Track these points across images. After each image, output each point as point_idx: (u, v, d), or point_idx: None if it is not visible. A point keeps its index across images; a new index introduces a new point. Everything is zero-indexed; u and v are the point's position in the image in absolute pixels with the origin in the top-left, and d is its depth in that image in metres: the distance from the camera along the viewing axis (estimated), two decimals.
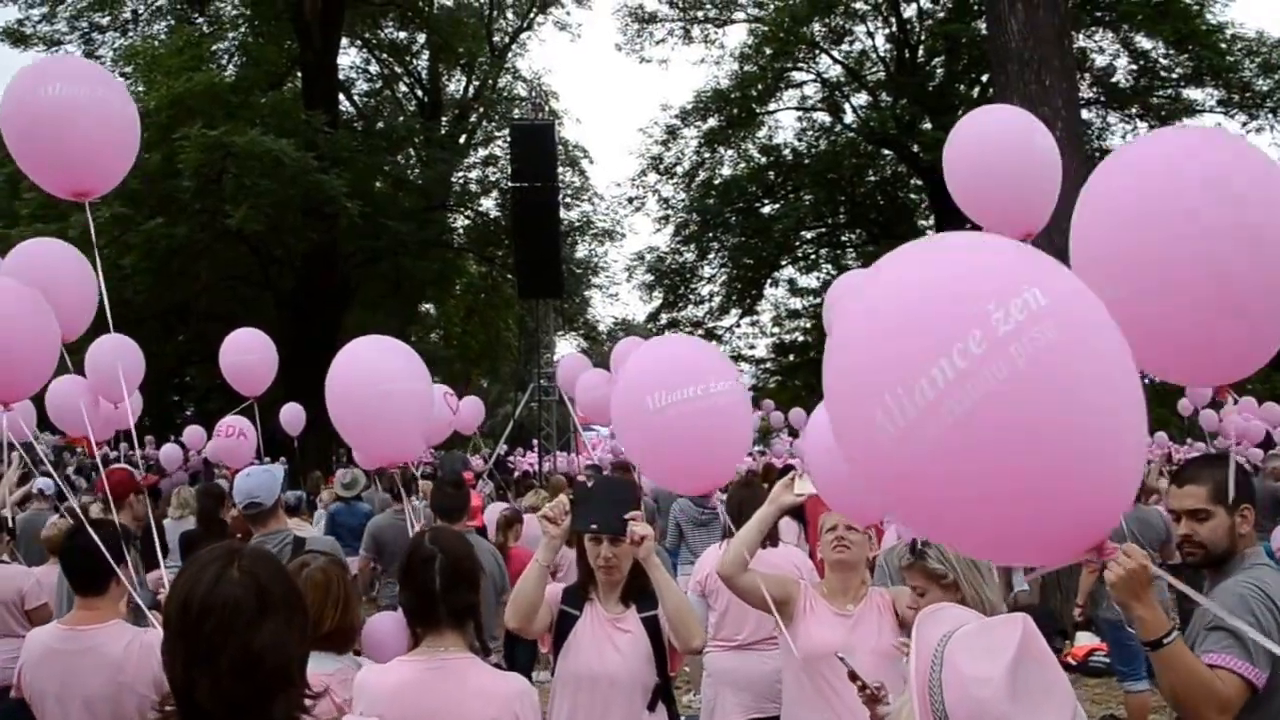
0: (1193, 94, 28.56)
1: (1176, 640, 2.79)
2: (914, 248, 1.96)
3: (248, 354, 8.40)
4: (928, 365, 1.67)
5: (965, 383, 1.66)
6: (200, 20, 28.77)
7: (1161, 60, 28.24)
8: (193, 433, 15.78)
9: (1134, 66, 28.50)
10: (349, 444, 5.36)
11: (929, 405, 1.68)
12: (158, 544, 4.72)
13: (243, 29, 29.00)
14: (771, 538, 5.25)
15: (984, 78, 27.98)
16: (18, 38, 27.63)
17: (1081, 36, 26.28)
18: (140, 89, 23.90)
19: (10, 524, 7.23)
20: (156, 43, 26.76)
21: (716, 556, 5.35)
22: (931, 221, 30.62)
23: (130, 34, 28.63)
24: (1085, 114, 25.17)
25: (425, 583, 3.07)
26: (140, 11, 28.76)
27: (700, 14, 31.90)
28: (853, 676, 3.23)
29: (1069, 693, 1.87)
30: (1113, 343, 1.78)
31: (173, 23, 28.47)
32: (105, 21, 28.49)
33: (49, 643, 3.80)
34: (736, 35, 50.25)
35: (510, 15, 33.23)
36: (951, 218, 28.52)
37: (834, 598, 4.11)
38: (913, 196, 31.73)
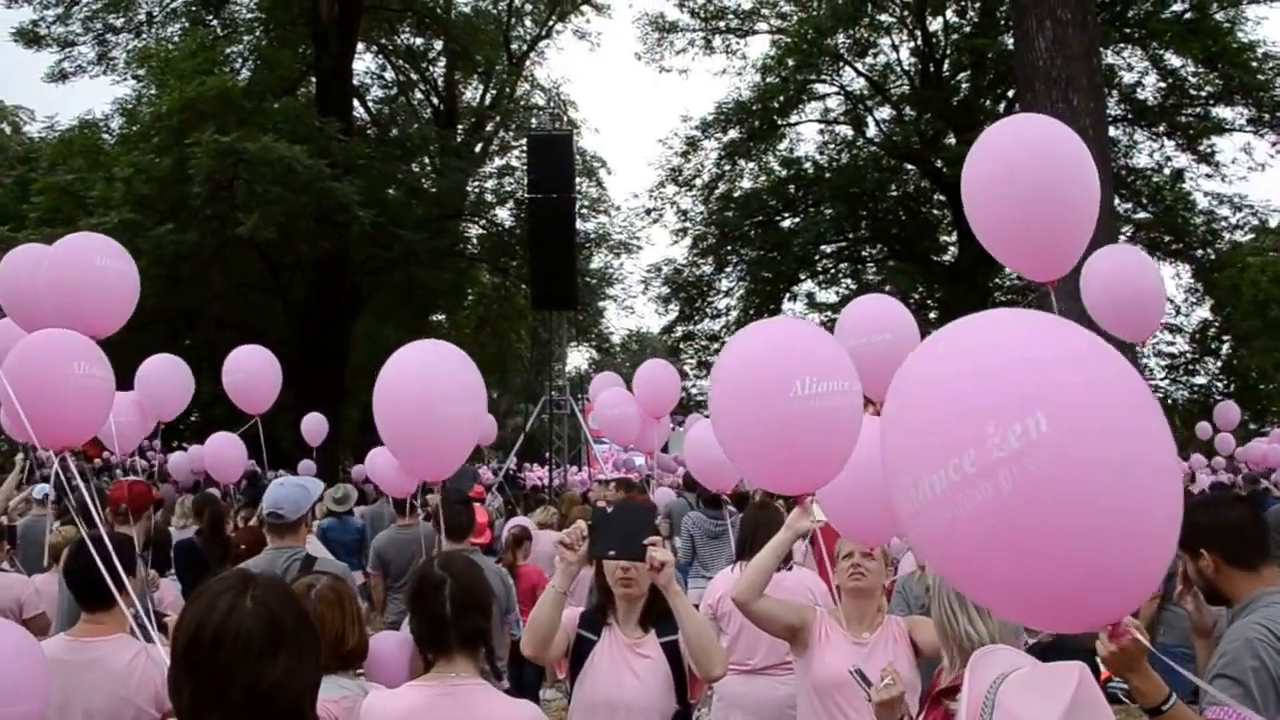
0: (1222, 112, 28.16)
1: (1175, 706, 2.76)
2: (957, 331, 2.06)
3: (249, 374, 8.28)
4: (937, 465, 1.85)
5: (960, 493, 1.82)
6: (214, 23, 28.62)
7: (1190, 78, 27.86)
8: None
9: (1162, 84, 28.13)
10: (396, 456, 5.22)
11: (936, 499, 1.86)
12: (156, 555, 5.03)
13: (257, 33, 28.80)
14: (786, 563, 5.13)
15: (1010, 93, 27.68)
16: (31, 38, 27.55)
17: (1109, 54, 25.90)
18: (153, 92, 23.75)
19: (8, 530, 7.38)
20: (170, 45, 26.61)
21: (729, 579, 5.36)
22: (954, 238, 30.31)
23: (144, 36, 28.50)
24: (1112, 131, 24.75)
25: (435, 608, 3.05)
26: (154, 13, 28.60)
27: (722, 24, 31.65)
28: (864, 680, 3.26)
29: None
30: (1127, 442, 1.82)
31: (187, 25, 28.35)
32: (119, 23, 28.32)
33: (55, 654, 3.69)
34: (759, 46, 50.26)
35: (529, 23, 33.10)
36: (973, 236, 28.15)
37: (850, 625, 4.07)
38: (935, 212, 31.36)
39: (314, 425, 13.91)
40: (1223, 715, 2.85)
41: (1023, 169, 4.49)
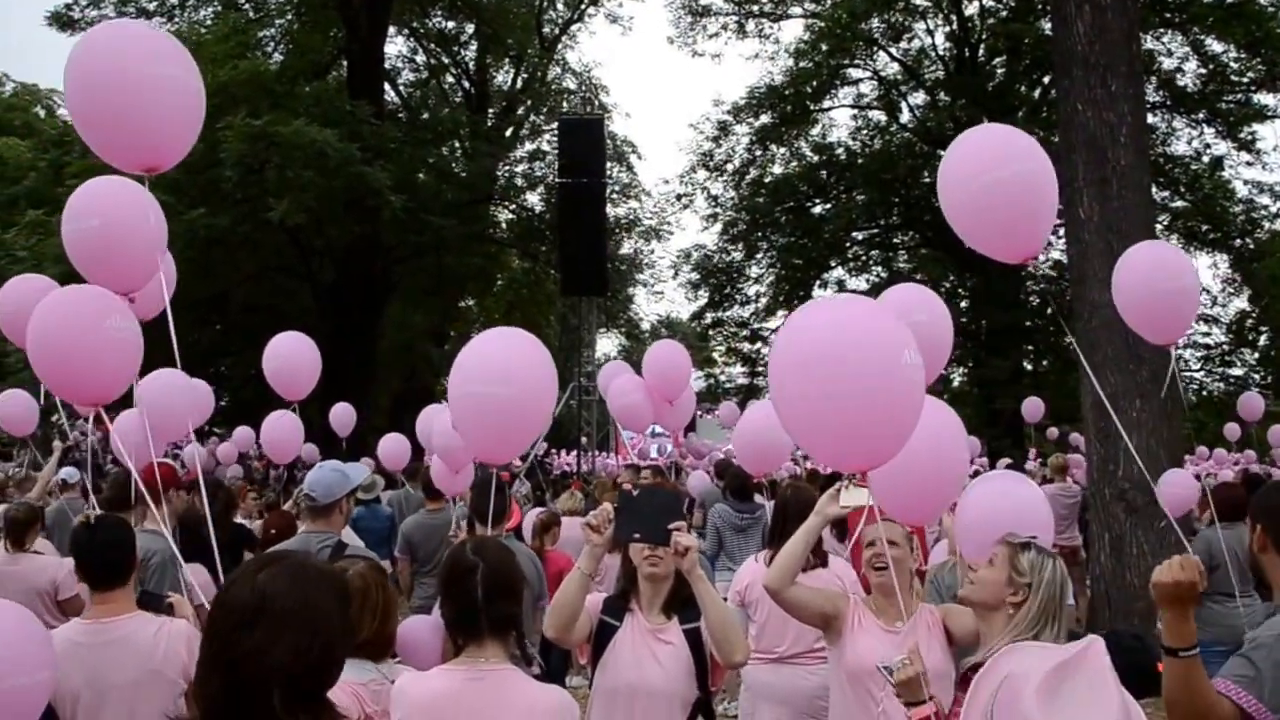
0: (1263, 99, 27.64)
1: (1195, 656, 2.83)
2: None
3: (288, 360, 8.25)
4: None
5: None
6: (246, 7, 28.65)
7: (1232, 64, 27.37)
8: (241, 432, 15.67)
9: (1202, 70, 27.65)
10: (465, 439, 5.09)
11: None
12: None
13: (288, 16, 28.82)
14: (820, 556, 5.14)
15: (1046, 79, 27.34)
16: (65, 22, 27.66)
17: (1149, 39, 25.50)
18: None
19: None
20: (202, 29, 26.65)
21: (755, 567, 5.37)
22: None
23: (176, 20, 28.51)
24: (1151, 118, 24.42)
25: (467, 593, 3.06)
26: None
27: (755, 8, 31.38)
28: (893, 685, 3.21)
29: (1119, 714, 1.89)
30: None
31: (219, 9, 28.38)
32: (152, 7, 28.39)
33: (72, 638, 3.77)
34: (792, 30, 49.96)
35: (561, 6, 32.97)
36: None
37: (883, 613, 4.05)
38: None
39: (343, 416, 13.89)
40: (1230, 690, 2.84)
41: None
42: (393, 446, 11.15)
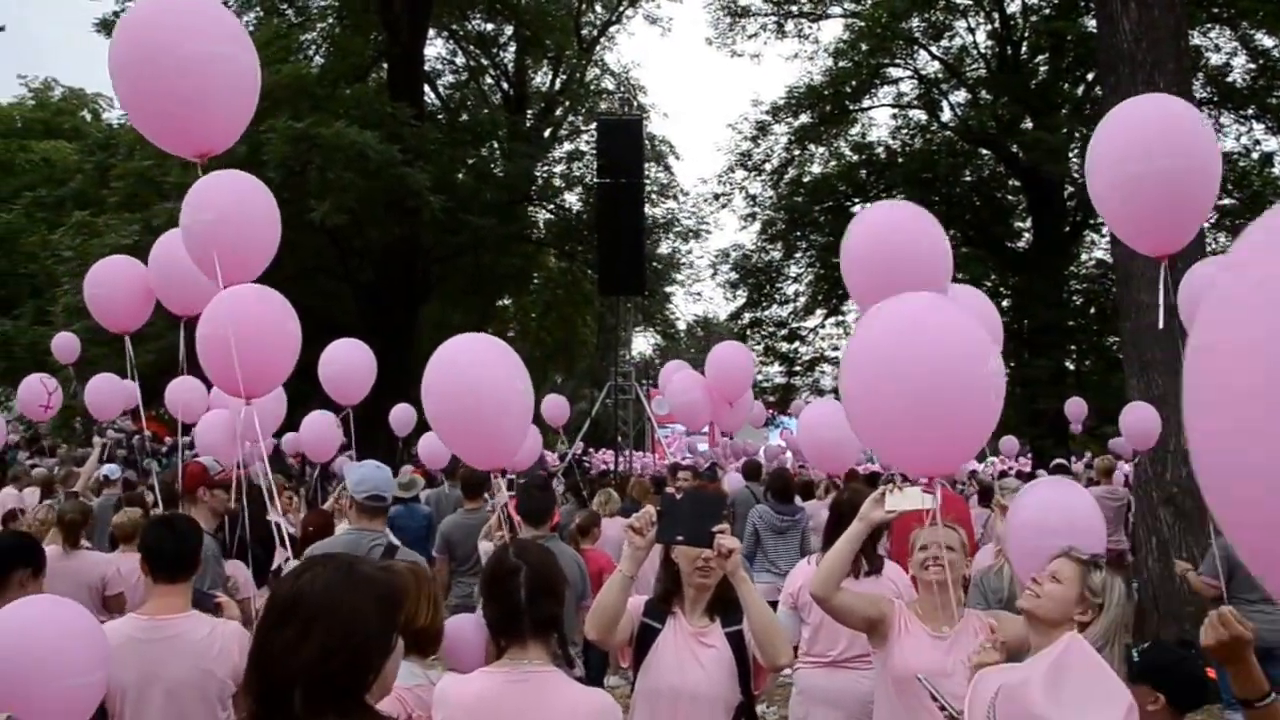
0: None
1: (1272, 705, 2.69)
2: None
3: (345, 366, 8.40)
4: None
5: None
6: (289, 11, 28.88)
7: None
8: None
9: (1251, 65, 27.16)
10: (453, 449, 5.24)
11: None
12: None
13: (330, 20, 29.04)
14: (872, 562, 5.12)
15: (1090, 76, 27.00)
16: (112, 28, 27.92)
17: (1196, 34, 25.12)
18: None
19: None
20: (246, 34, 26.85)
21: (807, 570, 5.32)
22: (1028, 224, 29.74)
23: None
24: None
25: (509, 595, 3.06)
26: (230, 3, 28.87)
27: (794, 8, 31.22)
28: (934, 699, 3.20)
29: (1125, 700, 1.92)
30: None
31: (262, 14, 28.63)
32: None
33: (128, 632, 3.82)
34: (831, 30, 49.73)
35: (599, 8, 33.01)
36: (1050, 220, 27.73)
37: (929, 618, 4.03)
38: (1010, 198, 30.73)
39: (402, 416, 13.99)
40: None
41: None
42: (434, 445, 11.21)
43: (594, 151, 25.56)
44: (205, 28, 4.24)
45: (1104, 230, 14.30)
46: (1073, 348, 28.38)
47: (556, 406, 14.88)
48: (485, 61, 32.98)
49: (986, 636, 3.27)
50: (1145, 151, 4.21)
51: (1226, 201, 27.88)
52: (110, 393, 11.09)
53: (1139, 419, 8.76)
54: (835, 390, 32.17)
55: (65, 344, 13.57)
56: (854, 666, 5.16)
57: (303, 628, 1.93)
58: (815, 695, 5.24)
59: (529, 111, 32.06)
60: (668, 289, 35.03)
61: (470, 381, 4.48)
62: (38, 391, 10.20)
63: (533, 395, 4.81)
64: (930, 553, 4.02)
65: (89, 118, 41.63)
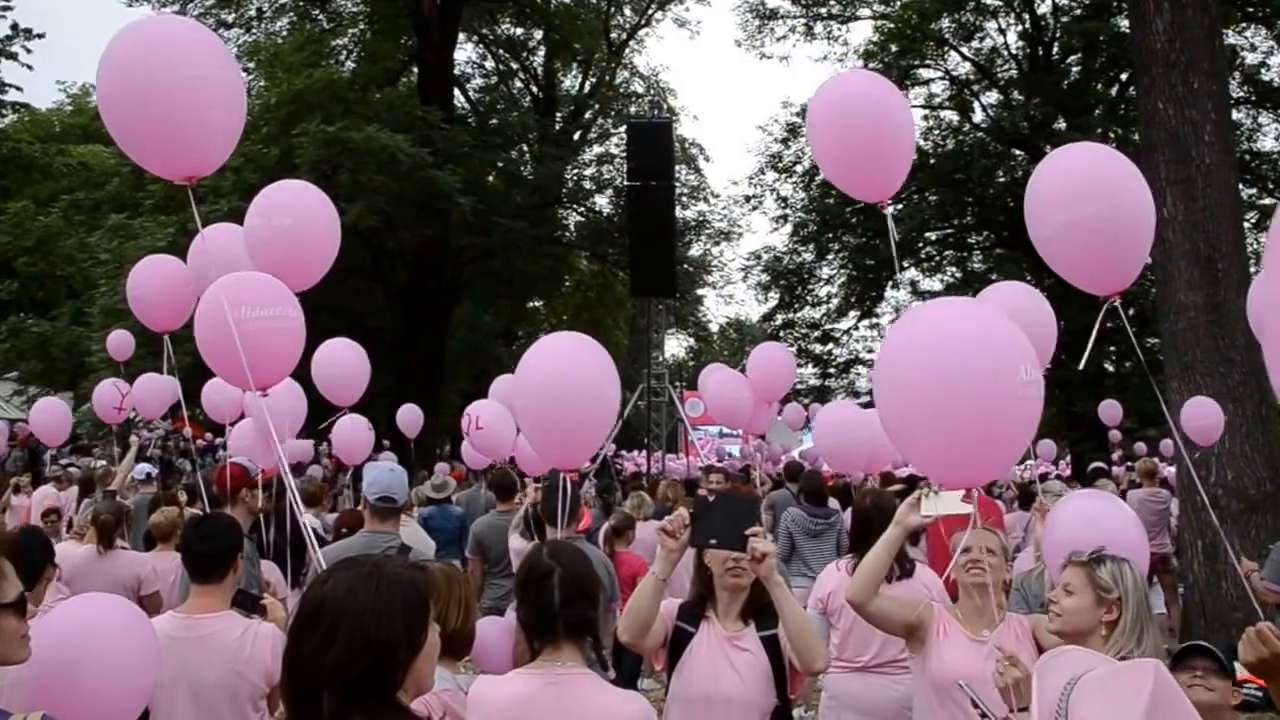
0: None
1: None
2: None
3: (342, 368, 8.35)
4: None
5: None
6: (320, 16, 29.10)
7: None
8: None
9: None
10: (534, 447, 5.14)
11: None
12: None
13: (361, 25, 29.26)
14: (903, 565, 5.04)
15: (1123, 76, 26.80)
16: None
17: (1231, 33, 24.85)
18: (262, 84, 24.27)
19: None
20: (279, 39, 27.20)
21: (836, 575, 5.29)
22: None
23: (254, 31, 29.09)
24: (1235, 114, 23.80)
25: (543, 596, 3.04)
26: (264, 9, 29.19)
27: (824, 10, 31.17)
28: (975, 706, 3.14)
29: None
30: None
31: (294, 19, 28.89)
32: (230, 19, 28.96)
33: (167, 630, 3.81)
34: (861, 32, 49.48)
35: (628, 11, 33.10)
36: None
37: (969, 622, 3.97)
38: None
39: (409, 418, 14.00)
40: None
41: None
42: (480, 446, 11.22)
43: (624, 154, 25.61)
44: (188, 51, 4.15)
45: None
46: (1111, 349, 28.11)
47: None
48: (515, 65, 33.16)
49: (999, 658, 3.20)
50: (1076, 197, 4.24)
51: (1267, 201, 27.55)
52: (156, 392, 11.20)
53: (1200, 414, 8.53)
54: (870, 391, 32.11)
55: (120, 342, 13.70)
56: (885, 672, 5.08)
57: (328, 631, 1.94)
58: (846, 701, 5.16)
59: (558, 115, 32.18)
60: (699, 291, 35.04)
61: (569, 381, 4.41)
62: (112, 394, 10.37)
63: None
64: (971, 555, 3.96)
65: None
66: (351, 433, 9.49)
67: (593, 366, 4.41)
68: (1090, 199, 4.20)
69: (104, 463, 15.06)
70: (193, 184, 4.46)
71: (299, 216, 4.81)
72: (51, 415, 11.48)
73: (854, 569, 4.95)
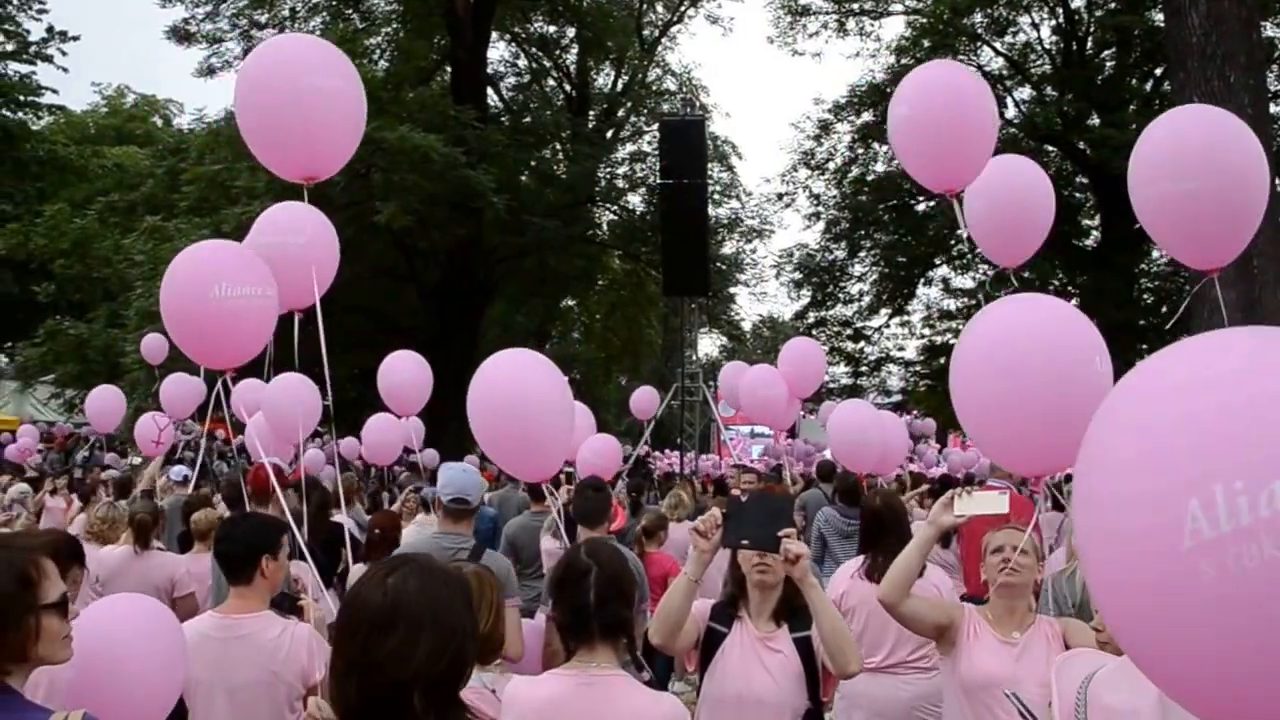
0: None
1: None
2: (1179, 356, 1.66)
3: (407, 377, 8.51)
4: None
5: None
6: (354, 16, 29.26)
7: None
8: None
9: None
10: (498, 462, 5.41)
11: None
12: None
13: (394, 25, 29.42)
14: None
15: (1158, 71, 26.51)
16: (183, 35, 28.65)
17: (1269, 25, 24.51)
18: None
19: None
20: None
21: (849, 574, 5.28)
22: (1096, 221, 29.23)
23: (287, 31, 29.22)
24: (1273, 108, 23.49)
25: (579, 597, 3.02)
26: (297, 9, 29.40)
27: (856, 6, 31.07)
28: (1021, 716, 3.11)
29: None
30: None
31: (328, 19, 29.04)
32: (264, 19, 29.16)
33: (205, 630, 3.89)
34: (893, 28, 49.33)
35: (660, 9, 33.12)
36: (1118, 218, 27.22)
37: (999, 624, 3.93)
38: (1078, 195, 30.23)
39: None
40: None
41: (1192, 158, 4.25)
42: None
43: (657, 152, 25.61)
44: (317, 64, 4.61)
45: None
46: (1144, 347, 27.86)
47: (646, 399, 14.87)
48: (548, 63, 33.21)
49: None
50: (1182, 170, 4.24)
51: None
52: (184, 392, 11.36)
53: None
54: (903, 390, 32.03)
55: (154, 345, 13.88)
56: (897, 672, 5.09)
57: (411, 630, 1.95)
58: (857, 700, 5.14)
59: (591, 113, 32.21)
60: (732, 289, 34.97)
61: (513, 398, 4.67)
62: (150, 429, 10.54)
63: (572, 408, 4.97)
64: (1004, 554, 3.92)
65: (160, 124, 42.55)
66: (382, 433, 9.58)
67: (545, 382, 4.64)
68: (1202, 173, 4.19)
69: (138, 461, 15.24)
70: (309, 184, 4.87)
71: (316, 236, 4.93)
72: (107, 403, 11.71)
73: (866, 571, 5.11)
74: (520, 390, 4.61)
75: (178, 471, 10.55)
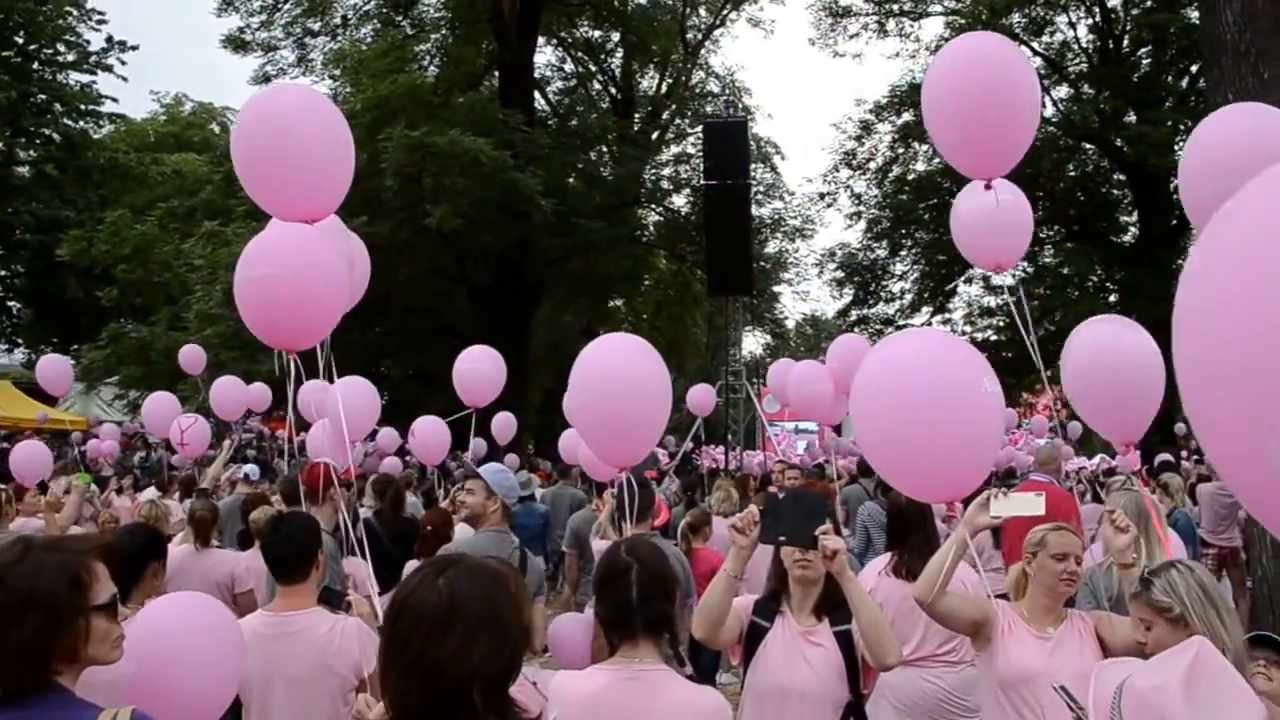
0: None
1: None
2: None
3: (482, 365, 8.76)
4: None
5: None
6: (404, 23, 29.72)
7: None
8: (385, 434, 15.97)
9: None
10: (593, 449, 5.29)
11: None
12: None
13: (443, 31, 29.84)
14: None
15: (1194, 69, 26.50)
16: (239, 44, 29.28)
17: None
18: (348, 90, 24.89)
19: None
20: (363, 46, 27.82)
21: (877, 570, 5.28)
22: (1134, 217, 29.25)
23: (339, 38, 29.85)
24: None
25: (621, 593, 3.06)
26: (349, 16, 29.93)
27: (895, 7, 31.28)
28: (1071, 709, 3.03)
29: (1258, 706, 1.93)
30: None
31: (378, 26, 29.53)
32: (317, 27, 29.77)
33: (256, 628, 3.93)
34: (933, 28, 49.18)
35: (703, 12, 33.37)
36: (1156, 214, 27.23)
37: (1034, 619, 3.91)
38: (1114, 192, 30.24)
39: (503, 425, 14.30)
40: None
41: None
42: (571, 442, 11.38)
43: (701, 154, 25.89)
44: (307, 117, 4.60)
45: None
46: None
47: (702, 395, 15.09)
48: (593, 67, 33.58)
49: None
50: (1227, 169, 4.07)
51: None
52: (233, 395, 11.78)
53: None
54: None
55: (192, 356, 14.36)
56: (925, 665, 5.09)
57: (471, 629, 1.97)
58: (883, 692, 5.09)
59: (636, 116, 32.53)
60: (775, 288, 35.17)
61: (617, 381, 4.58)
62: (174, 431, 10.80)
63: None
64: (1068, 565, 3.88)
65: (217, 130, 43.31)
66: (430, 433, 9.77)
67: (647, 366, 4.59)
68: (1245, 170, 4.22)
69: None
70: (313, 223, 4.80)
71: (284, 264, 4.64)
72: (162, 407, 11.96)
73: (893, 568, 5.17)
74: (630, 374, 4.55)
75: (253, 470, 10.80)
